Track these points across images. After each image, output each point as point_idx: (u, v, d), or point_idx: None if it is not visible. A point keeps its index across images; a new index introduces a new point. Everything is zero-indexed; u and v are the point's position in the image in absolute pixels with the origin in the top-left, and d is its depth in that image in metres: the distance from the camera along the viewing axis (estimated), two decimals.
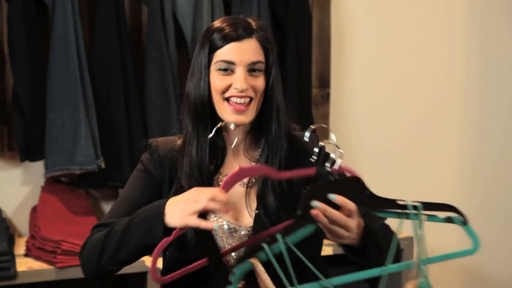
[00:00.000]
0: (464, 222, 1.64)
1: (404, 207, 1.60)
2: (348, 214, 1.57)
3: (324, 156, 1.77)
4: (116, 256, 1.70)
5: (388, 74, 3.70)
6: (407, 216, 1.59)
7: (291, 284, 1.51)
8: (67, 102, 2.98)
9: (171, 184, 1.81)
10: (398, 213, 1.60)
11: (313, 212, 1.53)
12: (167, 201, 1.65)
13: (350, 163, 3.60)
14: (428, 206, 1.61)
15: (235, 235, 1.77)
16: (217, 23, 1.79)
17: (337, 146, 1.64)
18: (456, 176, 3.89)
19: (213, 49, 1.76)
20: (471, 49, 3.84)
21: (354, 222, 1.58)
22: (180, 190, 1.75)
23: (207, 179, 1.78)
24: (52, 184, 3.11)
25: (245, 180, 1.81)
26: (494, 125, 3.91)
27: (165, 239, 1.62)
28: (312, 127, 1.68)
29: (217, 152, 1.81)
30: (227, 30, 1.75)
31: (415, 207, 1.59)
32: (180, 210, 1.60)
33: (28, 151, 3.02)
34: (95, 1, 3.07)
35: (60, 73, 2.98)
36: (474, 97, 3.87)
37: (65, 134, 2.98)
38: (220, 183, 1.78)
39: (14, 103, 3.00)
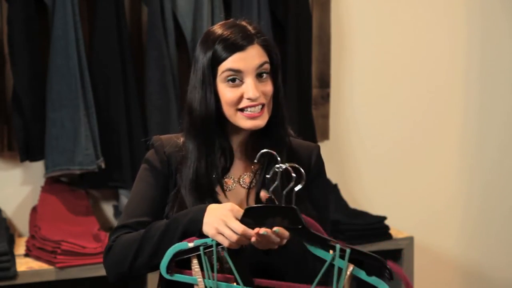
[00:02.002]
0: (390, 278, 1.59)
1: (333, 247, 1.59)
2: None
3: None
4: (152, 261, 1.70)
5: (388, 74, 3.70)
6: (333, 258, 1.58)
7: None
8: (67, 102, 2.98)
9: (176, 182, 1.81)
10: (326, 250, 1.60)
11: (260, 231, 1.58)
12: (206, 207, 1.67)
13: (350, 162, 3.64)
14: (357, 253, 1.59)
15: None
16: (216, 31, 1.77)
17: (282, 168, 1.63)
18: (456, 176, 3.88)
19: (217, 62, 1.74)
20: (471, 49, 3.83)
21: None
22: (179, 195, 1.78)
23: (207, 191, 1.78)
24: (52, 184, 3.11)
25: (247, 181, 1.81)
26: (494, 125, 3.91)
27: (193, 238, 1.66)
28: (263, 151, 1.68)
29: (225, 155, 1.81)
30: (229, 41, 1.73)
31: (343, 251, 1.58)
32: (215, 223, 1.63)
33: (28, 151, 3.02)
34: (95, 1, 3.07)
35: (60, 73, 2.98)
36: (474, 96, 3.87)
37: (65, 134, 2.98)
38: (226, 185, 1.81)
39: (14, 103, 3.00)
